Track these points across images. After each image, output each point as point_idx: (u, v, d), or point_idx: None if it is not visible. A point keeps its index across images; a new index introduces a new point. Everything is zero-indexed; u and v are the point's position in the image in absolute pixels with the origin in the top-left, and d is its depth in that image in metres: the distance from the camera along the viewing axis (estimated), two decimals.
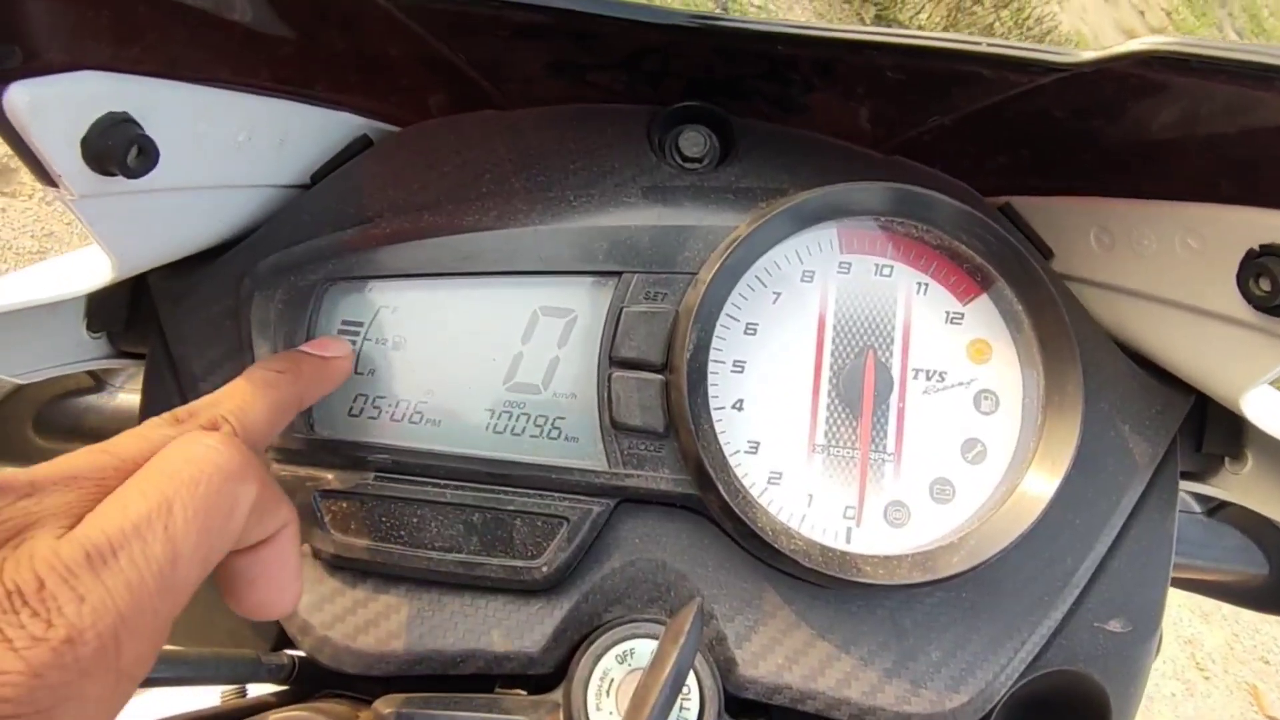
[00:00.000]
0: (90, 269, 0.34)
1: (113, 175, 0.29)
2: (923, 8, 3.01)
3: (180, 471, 0.21)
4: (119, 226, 0.32)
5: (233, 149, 0.36)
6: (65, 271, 0.36)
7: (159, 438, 0.23)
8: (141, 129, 0.30)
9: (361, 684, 0.39)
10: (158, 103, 0.30)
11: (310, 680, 0.39)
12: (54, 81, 0.26)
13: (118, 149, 0.29)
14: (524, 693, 0.37)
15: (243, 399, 0.28)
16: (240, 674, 0.38)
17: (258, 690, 0.41)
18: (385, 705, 0.34)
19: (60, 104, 0.27)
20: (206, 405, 0.27)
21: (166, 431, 0.24)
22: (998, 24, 3.12)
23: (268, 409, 0.29)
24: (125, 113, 0.29)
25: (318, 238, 0.38)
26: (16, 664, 0.17)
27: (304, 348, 0.35)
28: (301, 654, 0.38)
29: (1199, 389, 0.38)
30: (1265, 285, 0.31)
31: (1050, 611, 0.38)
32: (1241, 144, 0.30)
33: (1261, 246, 0.31)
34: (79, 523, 0.20)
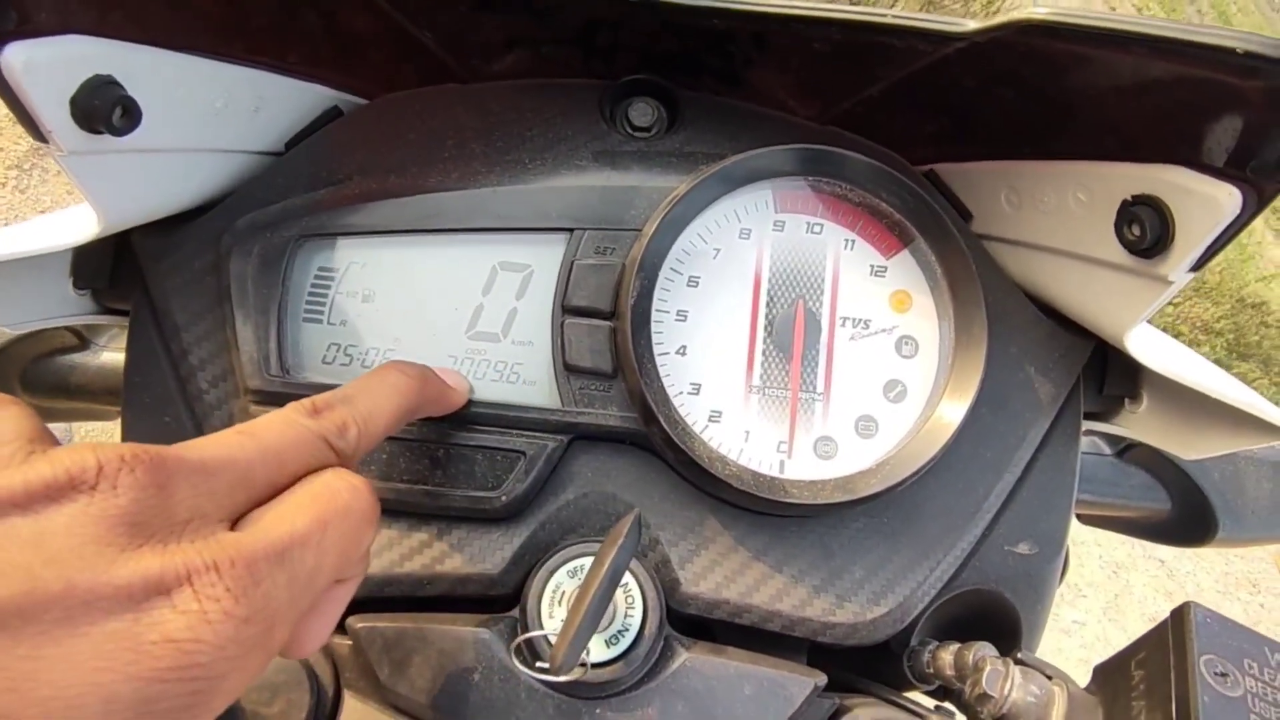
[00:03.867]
0: (77, 224, 0.37)
1: (99, 133, 0.32)
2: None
3: (335, 501, 0.24)
4: (105, 183, 0.35)
5: (211, 114, 0.39)
6: (53, 227, 0.38)
7: (298, 430, 0.25)
8: (125, 91, 0.33)
9: None
10: (140, 67, 0.33)
11: None
12: (45, 44, 0.29)
13: (104, 108, 0.32)
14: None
15: (374, 402, 0.29)
16: None
17: None
18: (358, 621, 0.37)
19: (51, 65, 0.30)
20: (341, 400, 0.28)
21: (305, 422, 0.26)
22: (970, 15, 3.18)
23: (392, 415, 0.30)
24: (110, 75, 0.32)
25: (291, 198, 0.41)
26: (209, 634, 0.19)
27: (433, 369, 0.36)
28: None
29: (1094, 332, 0.42)
30: (1136, 231, 0.35)
31: (964, 535, 0.42)
32: (1114, 104, 0.34)
33: (1134, 196, 0.35)
34: (238, 510, 0.22)
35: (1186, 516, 0.51)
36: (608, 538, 0.33)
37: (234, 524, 0.22)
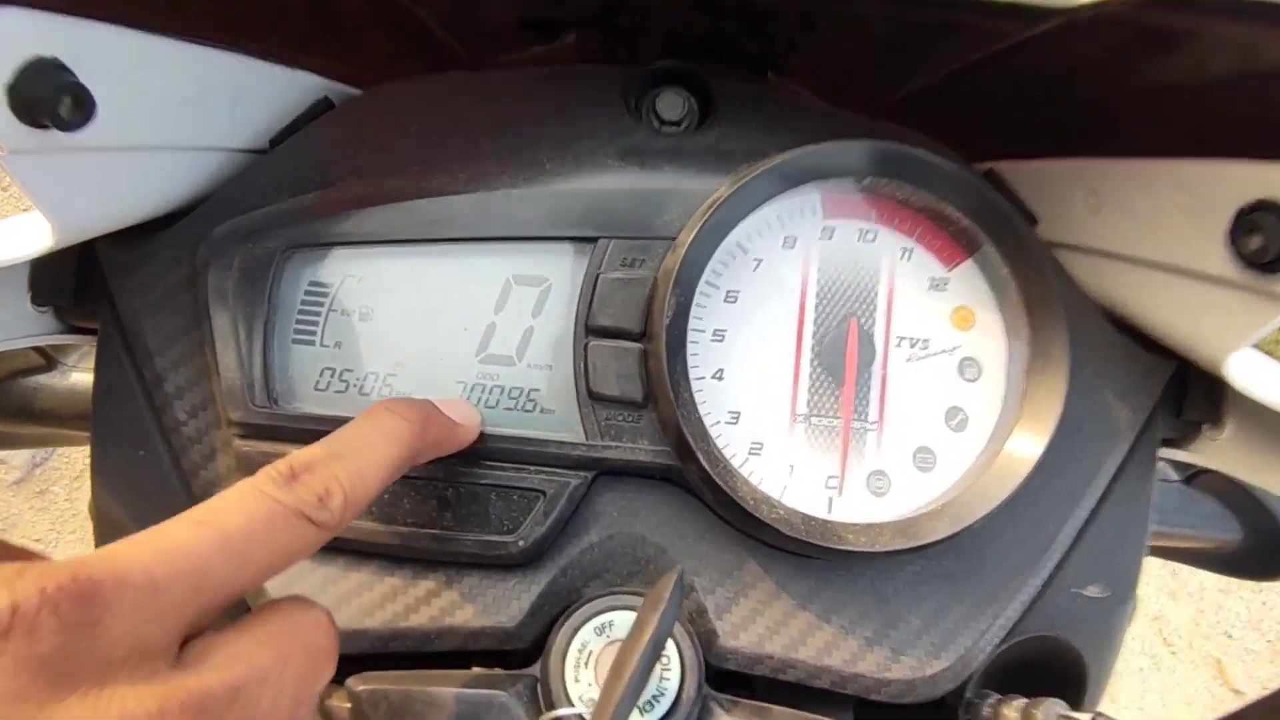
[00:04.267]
0: (29, 234, 0.32)
1: (45, 128, 0.27)
2: None
3: (296, 636, 0.23)
4: (57, 187, 0.30)
5: (180, 106, 0.34)
6: (5, 235, 0.34)
7: (269, 508, 0.22)
8: (75, 77, 0.28)
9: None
10: (93, 48, 0.28)
11: None
12: None
13: (48, 98, 0.27)
14: (502, 670, 0.37)
15: (365, 457, 0.26)
16: None
17: None
18: (358, 683, 0.33)
19: None
20: (321, 460, 0.25)
21: (277, 494, 0.23)
22: None
23: (387, 470, 0.27)
24: (56, 58, 0.27)
25: (277, 203, 0.36)
26: None
27: (436, 401, 0.32)
28: None
29: (1183, 354, 0.38)
30: (1257, 241, 0.30)
31: (1030, 578, 0.38)
32: (1242, 92, 0.29)
33: (1255, 201, 0.30)
34: (191, 627, 0.20)
35: (1259, 548, 0.47)
36: (647, 601, 0.28)
37: (184, 643, 0.19)
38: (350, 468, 0.25)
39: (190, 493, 0.36)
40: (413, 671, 0.34)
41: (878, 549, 0.34)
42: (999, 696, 0.38)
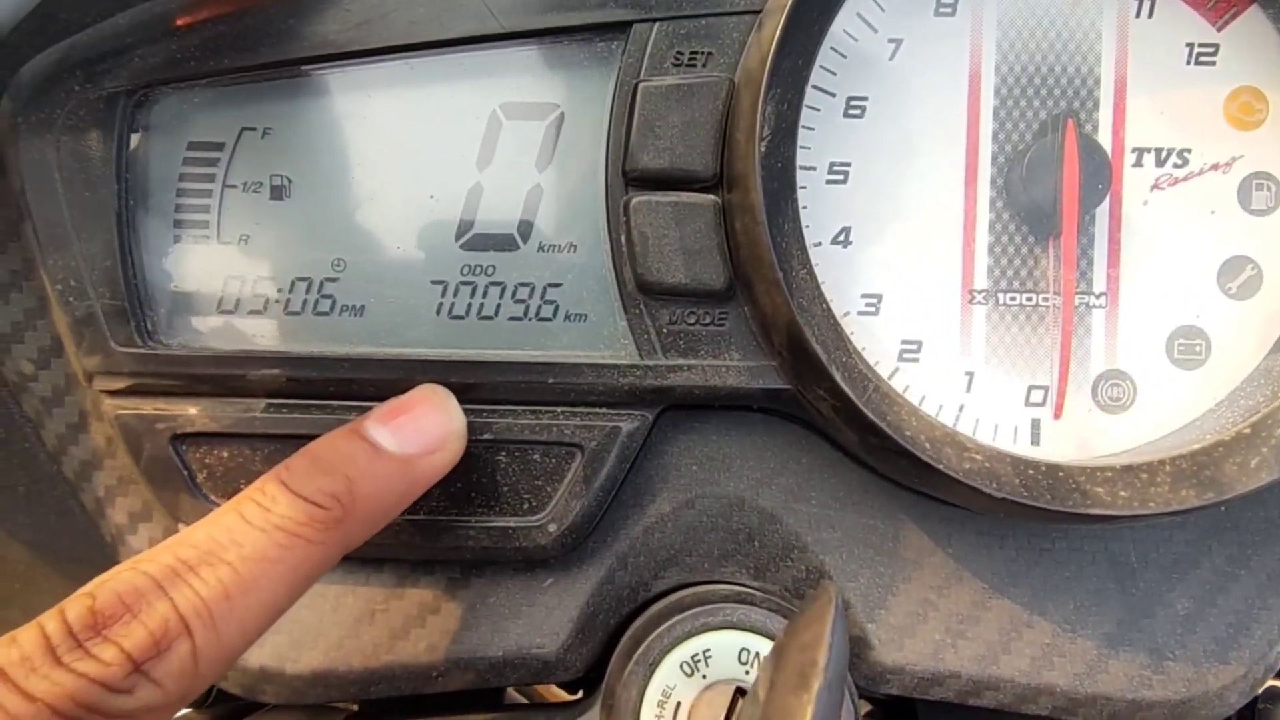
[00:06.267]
0: None
1: None
2: None
3: None
4: None
5: None
6: None
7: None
8: None
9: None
10: None
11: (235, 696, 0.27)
12: None
13: None
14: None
15: (226, 584, 0.15)
16: None
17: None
18: None
19: None
20: (151, 588, 0.15)
21: (32, 685, 0.13)
22: None
23: (275, 592, 0.16)
24: None
25: (117, 15, 0.23)
26: None
27: (371, 426, 0.19)
28: None
29: None
30: None
31: None
32: None
33: None
34: None
35: None
36: (778, 657, 0.15)
37: None
38: (210, 590, 0.15)
39: (66, 479, 0.25)
40: None
41: (1150, 510, 0.20)
42: None
